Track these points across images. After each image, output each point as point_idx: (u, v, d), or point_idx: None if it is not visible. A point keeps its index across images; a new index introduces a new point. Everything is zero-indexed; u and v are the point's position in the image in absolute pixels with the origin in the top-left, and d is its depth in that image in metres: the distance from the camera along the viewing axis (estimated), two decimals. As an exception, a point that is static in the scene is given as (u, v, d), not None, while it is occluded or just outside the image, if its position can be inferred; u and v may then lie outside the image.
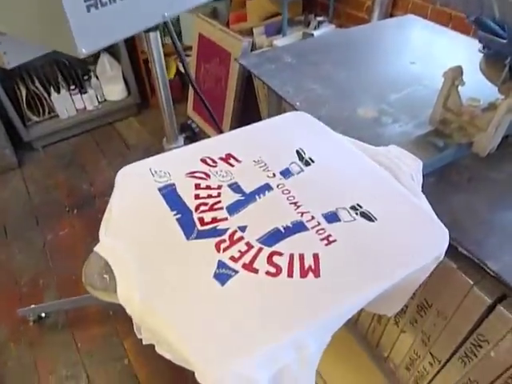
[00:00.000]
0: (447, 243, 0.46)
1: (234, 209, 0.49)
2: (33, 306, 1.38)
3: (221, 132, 1.17)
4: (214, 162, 0.56)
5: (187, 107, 2.33)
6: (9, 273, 1.56)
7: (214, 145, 0.60)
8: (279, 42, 1.68)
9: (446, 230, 0.47)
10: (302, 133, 0.62)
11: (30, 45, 0.64)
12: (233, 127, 1.90)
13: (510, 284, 0.50)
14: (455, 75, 0.63)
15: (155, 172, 0.54)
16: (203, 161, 0.56)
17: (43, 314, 1.36)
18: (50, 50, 0.60)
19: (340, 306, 0.39)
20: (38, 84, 2.05)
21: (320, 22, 1.70)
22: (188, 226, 0.47)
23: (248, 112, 1.86)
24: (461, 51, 1.05)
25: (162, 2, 0.64)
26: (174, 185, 0.52)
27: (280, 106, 1.02)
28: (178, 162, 0.56)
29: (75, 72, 2.20)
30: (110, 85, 2.26)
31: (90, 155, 2.12)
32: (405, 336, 0.88)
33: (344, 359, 1.08)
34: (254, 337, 0.36)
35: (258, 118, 0.66)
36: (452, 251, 0.56)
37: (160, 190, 0.51)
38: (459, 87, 0.65)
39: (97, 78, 2.22)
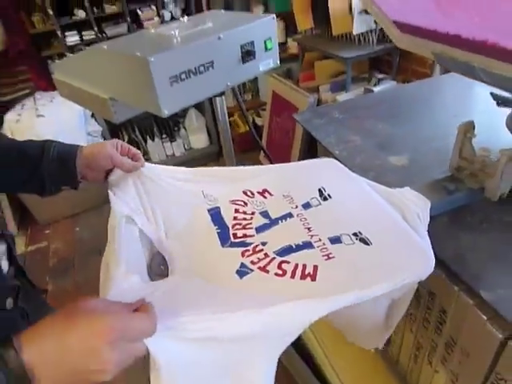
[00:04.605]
0: (430, 270, 0.55)
1: (260, 229, 0.64)
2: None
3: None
4: (252, 194, 0.72)
5: (260, 154, 2.57)
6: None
7: (256, 179, 0.75)
8: (341, 97, 1.85)
9: (432, 259, 0.56)
10: (327, 175, 0.75)
11: (129, 107, 0.89)
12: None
13: (498, 311, 0.56)
14: (467, 129, 0.73)
15: (206, 195, 0.70)
16: (244, 192, 0.72)
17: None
18: (144, 111, 0.84)
19: (324, 301, 0.50)
20: (137, 133, 2.46)
21: (380, 79, 1.84)
22: (224, 238, 0.62)
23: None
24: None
25: (225, 75, 0.85)
26: (219, 208, 0.68)
27: (327, 153, 1.16)
28: (225, 191, 0.72)
29: (167, 123, 2.60)
30: (195, 135, 2.61)
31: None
32: (438, 376, 0.89)
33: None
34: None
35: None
36: (469, 288, 0.62)
37: (209, 210, 0.68)
38: (473, 139, 0.74)
39: (185, 129, 2.59)
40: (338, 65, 2.10)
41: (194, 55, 0.77)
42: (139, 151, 0.68)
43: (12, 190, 0.68)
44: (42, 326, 0.38)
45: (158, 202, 0.66)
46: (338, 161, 0.82)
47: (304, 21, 2.10)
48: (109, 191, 0.65)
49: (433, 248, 0.63)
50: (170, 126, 2.61)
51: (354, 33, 1.77)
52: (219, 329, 0.44)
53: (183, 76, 0.77)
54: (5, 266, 0.59)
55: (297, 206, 0.68)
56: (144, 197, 0.65)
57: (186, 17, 0.99)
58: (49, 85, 2.46)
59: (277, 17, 2.82)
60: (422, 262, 0.56)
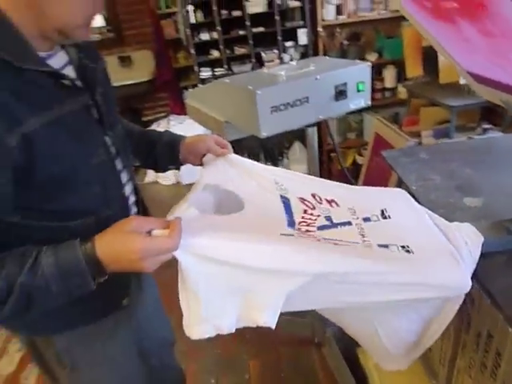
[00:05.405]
0: (463, 289, 0.61)
1: (321, 228, 0.75)
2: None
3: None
4: (320, 199, 0.83)
5: (355, 191, 2.65)
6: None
7: (328, 189, 0.85)
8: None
9: (467, 276, 0.62)
10: (392, 200, 0.84)
11: (238, 129, 1.11)
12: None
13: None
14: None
15: (277, 183, 0.82)
16: (313, 195, 0.83)
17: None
18: (248, 134, 1.05)
19: (344, 257, 0.62)
20: (246, 156, 2.75)
21: (486, 129, 1.80)
22: (291, 227, 0.75)
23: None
24: None
25: (318, 110, 1.01)
26: (289, 200, 0.80)
27: (407, 190, 1.22)
28: (295, 186, 0.82)
29: (273, 152, 2.85)
30: (296, 165, 2.81)
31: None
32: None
33: None
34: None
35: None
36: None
37: (281, 196, 0.80)
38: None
39: (287, 158, 2.81)
40: (444, 112, 2.10)
41: (293, 91, 0.96)
42: (228, 143, 0.88)
43: (138, 163, 0.93)
44: (105, 233, 0.57)
45: (238, 176, 0.82)
46: (413, 196, 0.89)
47: (414, 68, 2.18)
48: (202, 168, 0.84)
49: (483, 280, 0.68)
50: (274, 155, 2.86)
51: (461, 82, 1.79)
52: (247, 258, 0.58)
53: (282, 107, 0.96)
54: None
55: (358, 218, 0.79)
56: (229, 171, 0.83)
57: (295, 61, 1.20)
58: (181, 110, 2.94)
59: (389, 64, 2.93)
60: (455, 275, 0.62)
